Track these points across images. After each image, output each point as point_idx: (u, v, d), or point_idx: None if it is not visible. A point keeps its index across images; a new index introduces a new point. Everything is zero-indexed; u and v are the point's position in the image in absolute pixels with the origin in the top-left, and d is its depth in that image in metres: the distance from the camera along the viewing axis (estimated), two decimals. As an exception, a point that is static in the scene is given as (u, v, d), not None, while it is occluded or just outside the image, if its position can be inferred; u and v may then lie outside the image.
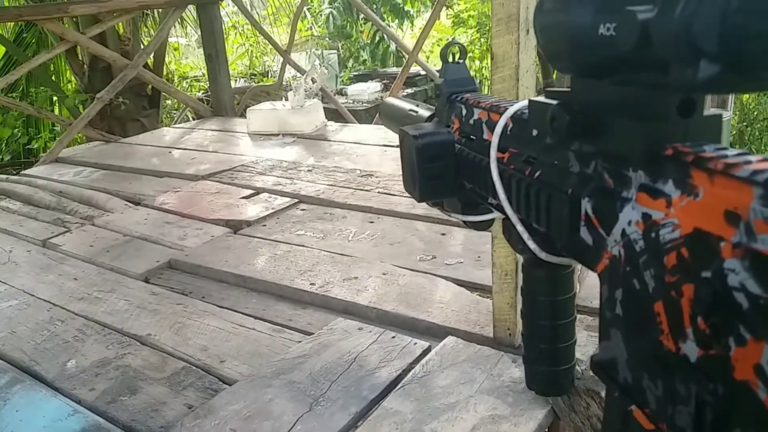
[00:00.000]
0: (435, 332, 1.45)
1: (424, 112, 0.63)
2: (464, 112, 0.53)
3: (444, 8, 7.43)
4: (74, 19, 4.20)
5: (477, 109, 0.51)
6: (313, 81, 3.86)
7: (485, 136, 0.49)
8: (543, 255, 0.44)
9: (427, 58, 7.95)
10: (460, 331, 1.43)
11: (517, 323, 1.31)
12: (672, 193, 0.29)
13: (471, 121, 0.52)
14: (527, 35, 1.08)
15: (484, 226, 0.58)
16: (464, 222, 0.59)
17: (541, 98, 0.39)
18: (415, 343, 1.38)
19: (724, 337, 0.25)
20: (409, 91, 6.63)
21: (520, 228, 0.44)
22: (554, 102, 0.37)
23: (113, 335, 1.55)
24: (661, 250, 0.29)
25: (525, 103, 0.43)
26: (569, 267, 0.46)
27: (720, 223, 0.25)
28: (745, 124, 4.99)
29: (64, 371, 1.41)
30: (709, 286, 0.25)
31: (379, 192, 2.46)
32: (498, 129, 0.45)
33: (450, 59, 0.57)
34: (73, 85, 5.06)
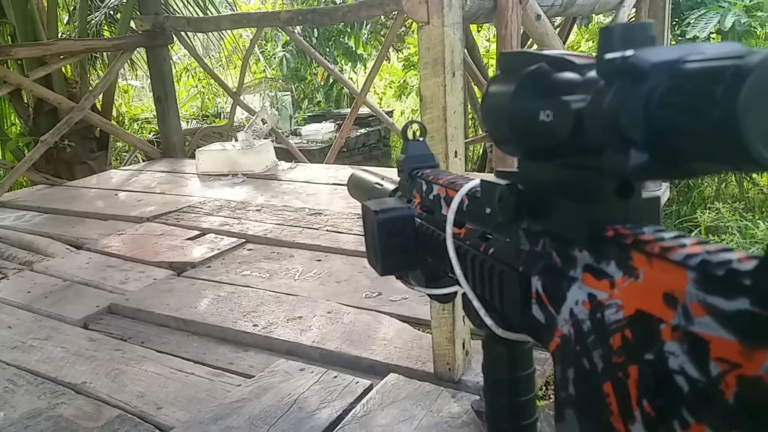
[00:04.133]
0: (378, 370, 1.45)
1: (389, 186, 0.64)
2: (424, 187, 0.54)
3: (396, 52, 7.61)
4: (19, 62, 4.13)
5: (436, 185, 0.52)
6: (264, 122, 3.88)
7: (444, 212, 0.50)
8: (500, 331, 0.44)
9: (380, 100, 8.09)
10: (402, 367, 1.43)
11: (456, 358, 1.33)
12: (615, 275, 0.29)
13: (431, 197, 0.53)
14: (453, 78, 1.12)
15: (448, 298, 0.57)
16: (429, 295, 0.58)
17: (492, 178, 0.41)
18: (357, 382, 1.38)
19: (669, 421, 0.25)
20: (363, 131, 6.72)
21: (476, 303, 0.44)
22: (503, 182, 0.38)
23: (46, 384, 1.50)
24: (606, 330, 0.29)
25: (479, 181, 0.45)
26: (528, 343, 0.46)
27: (660, 305, 0.25)
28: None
29: (-9, 425, 1.35)
30: (652, 368, 0.25)
31: (327, 230, 2.46)
32: (453, 205, 0.46)
33: (411, 136, 0.59)
34: (18, 128, 4.95)
